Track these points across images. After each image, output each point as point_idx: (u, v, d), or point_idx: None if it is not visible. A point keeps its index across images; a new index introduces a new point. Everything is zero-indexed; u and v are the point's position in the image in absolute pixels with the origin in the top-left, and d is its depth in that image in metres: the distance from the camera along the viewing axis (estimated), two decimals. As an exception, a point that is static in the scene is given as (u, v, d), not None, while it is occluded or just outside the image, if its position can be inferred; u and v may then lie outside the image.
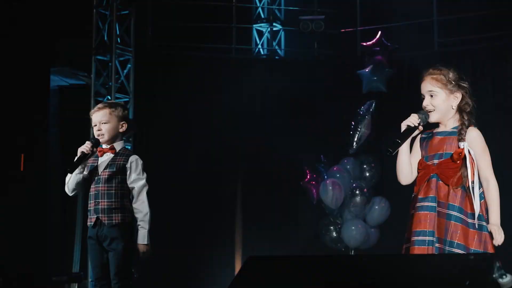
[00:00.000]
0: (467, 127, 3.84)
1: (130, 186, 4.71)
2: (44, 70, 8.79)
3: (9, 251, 7.80)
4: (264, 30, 10.50)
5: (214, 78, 9.68)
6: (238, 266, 9.42)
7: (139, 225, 4.69)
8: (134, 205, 4.70)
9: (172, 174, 8.90)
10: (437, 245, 3.71)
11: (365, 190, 9.00)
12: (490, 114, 8.41)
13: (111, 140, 4.77)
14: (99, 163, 4.75)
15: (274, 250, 9.02)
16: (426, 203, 3.79)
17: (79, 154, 4.65)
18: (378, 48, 9.30)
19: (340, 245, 9.06)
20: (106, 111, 4.75)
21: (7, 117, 8.13)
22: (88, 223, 4.76)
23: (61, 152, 9.05)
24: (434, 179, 3.80)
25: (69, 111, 9.18)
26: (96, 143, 4.71)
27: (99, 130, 4.74)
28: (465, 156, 3.77)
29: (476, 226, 3.72)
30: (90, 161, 4.74)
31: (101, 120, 4.74)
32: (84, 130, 8.39)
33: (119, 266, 4.62)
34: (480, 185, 3.79)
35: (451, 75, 3.87)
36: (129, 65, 9.18)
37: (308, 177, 9.21)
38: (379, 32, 9.39)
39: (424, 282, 2.59)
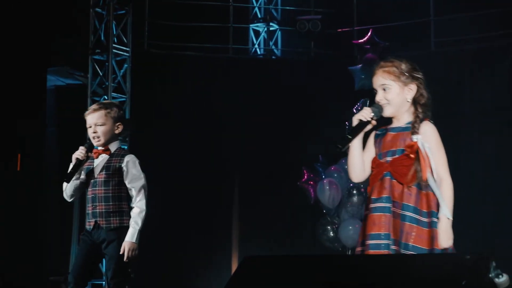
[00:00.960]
0: (421, 121, 3.60)
1: (128, 186, 4.55)
2: (41, 70, 8.79)
3: (6, 251, 7.79)
4: (260, 30, 10.50)
5: (211, 78, 9.67)
6: (235, 267, 9.42)
7: (131, 222, 4.49)
8: (132, 205, 4.53)
9: (169, 174, 8.88)
10: (392, 247, 3.48)
11: (362, 189, 9.00)
12: (490, 114, 8.41)
13: (107, 142, 4.61)
14: (94, 166, 4.61)
15: (271, 250, 9.02)
16: (380, 204, 3.56)
17: (73, 161, 4.48)
18: (368, 46, 9.30)
19: (337, 244, 9.06)
20: (102, 112, 4.59)
21: (4, 117, 8.13)
22: (87, 227, 4.62)
23: (58, 152, 9.04)
24: (387, 178, 3.57)
25: (66, 111, 9.17)
26: (90, 148, 4.55)
27: (94, 132, 4.58)
28: (418, 150, 3.53)
29: (430, 224, 3.51)
30: (86, 163, 4.59)
31: (97, 122, 4.58)
32: (81, 130, 8.38)
33: (115, 270, 4.49)
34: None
35: (403, 66, 3.65)
36: (125, 65, 9.18)
37: (306, 177, 9.20)
38: (370, 30, 9.39)
39: (421, 282, 2.59)
